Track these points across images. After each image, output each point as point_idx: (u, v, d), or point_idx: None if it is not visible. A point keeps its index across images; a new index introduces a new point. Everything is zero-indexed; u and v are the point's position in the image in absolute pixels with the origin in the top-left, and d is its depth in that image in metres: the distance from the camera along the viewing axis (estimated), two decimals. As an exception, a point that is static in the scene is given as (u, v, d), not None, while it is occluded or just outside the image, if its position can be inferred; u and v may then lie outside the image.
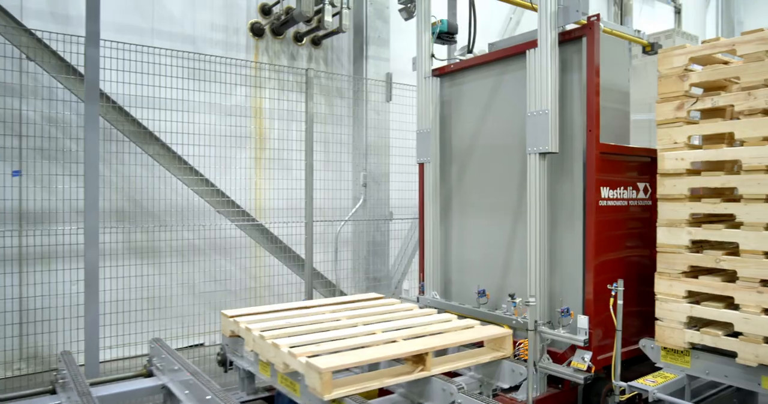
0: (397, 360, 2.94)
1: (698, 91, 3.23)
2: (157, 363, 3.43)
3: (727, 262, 2.93)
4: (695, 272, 3.12)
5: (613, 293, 3.28)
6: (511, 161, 3.88)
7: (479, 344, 3.32)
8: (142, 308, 4.99)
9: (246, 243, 6.07)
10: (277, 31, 6.43)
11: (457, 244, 4.34)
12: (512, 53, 3.80)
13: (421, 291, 4.42)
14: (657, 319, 3.21)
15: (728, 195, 3.08)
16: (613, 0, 10.20)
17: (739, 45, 2.92)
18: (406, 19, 5.67)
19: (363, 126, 6.80)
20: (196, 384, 2.89)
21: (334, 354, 2.73)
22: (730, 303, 2.96)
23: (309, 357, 2.66)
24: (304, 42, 6.66)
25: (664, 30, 7.01)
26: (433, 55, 4.39)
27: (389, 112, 6.90)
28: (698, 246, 3.12)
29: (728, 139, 3.02)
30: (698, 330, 3.04)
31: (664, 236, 3.19)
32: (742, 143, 2.92)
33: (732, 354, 2.89)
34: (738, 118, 2.92)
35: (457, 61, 4.42)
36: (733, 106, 2.93)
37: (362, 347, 2.86)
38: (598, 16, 3.40)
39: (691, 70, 3.14)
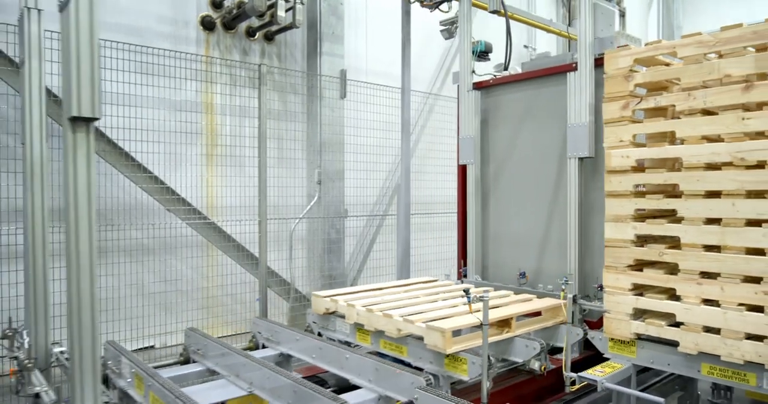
0: (478, 327, 3.26)
1: (642, 91, 3.35)
2: (197, 349, 3.83)
3: (669, 255, 3.06)
4: (640, 265, 3.24)
5: (562, 287, 3.40)
6: (547, 162, 4.41)
7: (533, 314, 3.80)
8: (88, 310, 4.80)
9: (198, 242, 5.92)
10: (229, 26, 6.29)
11: (494, 234, 4.93)
12: (549, 73, 4.39)
13: (463, 275, 5.03)
14: (605, 312, 3.33)
15: (670, 191, 3.21)
16: (562, 2, 10.48)
17: (680, 47, 3.05)
18: (446, 39, 6.60)
19: (317, 123, 6.74)
20: (248, 364, 3.29)
21: (440, 320, 3.29)
22: (672, 294, 3.10)
23: (424, 322, 3.23)
24: (256, 37, 6.55)
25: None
26: (473, 71, 5.00)
27: (344, 109, 6.88)
28: (643, 240, 3.25)
29: (670, 138, 3.15)
30: (643, 321, 3.16)
31: (611, 231, 3.30)
32: (682, 141, 3.05)
33: (674, 344, 3.03)
34: (679, 118, 3.05)
35: (493, 76, 5.07)
36: (674, 105, 3.06)
37: (456, 315, 3.43)
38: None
39: (636, 71, 3.25)
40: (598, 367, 3.23)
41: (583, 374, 3.13)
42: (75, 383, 2.31)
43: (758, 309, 2.74)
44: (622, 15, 10.63)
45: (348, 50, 7.22)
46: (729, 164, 2.84)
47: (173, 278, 5.66)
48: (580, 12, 4.07)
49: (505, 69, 5.10)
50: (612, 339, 3.34)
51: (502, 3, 5.03)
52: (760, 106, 2.77)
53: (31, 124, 3.17)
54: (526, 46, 9.87)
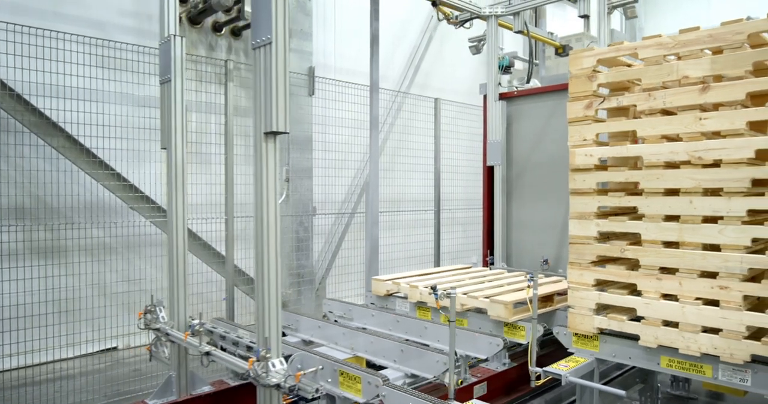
0: (521, 303, 3.85)
1: (605, 91, 3.43)
2: (288, 325, 4.26)
3: (630, 252, 3.14)
4: (603, 261, 3.32)
5: (528, 284, 3.45)
6: (565, 164, 4.74)
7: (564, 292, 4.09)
8: (47, 312, 4.64)
9: (162, 241, 5.81)
10: (195, 20, 6.18)
11: (517, 227, 5.67)
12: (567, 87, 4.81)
13: (490, 263, 5.74)
14: (569, 307, 3.40)
15: (632, 189, 3.29)
16: (529, 2, 10.62)
17: (641, 49, 3.13)
18: (474, 54, 7.39)
19: (285, 120, 6.68)
20: (347, 332, 3.81)
21: (498, 296, 3.87)
22: (633, 289, 3.18)
23: (486, 298, 3.85)
24: (223, 32, 6.45)
25: (575, 33, 7.38)
26: (499, 83, 5.79)
27: (312, 107, 6.83)
28: (606, 237, 3.32)
29: (632, 137, 3.23)
30: (606, 316, 3.24)
31: (575, 228, 3.37)
32: (643, 141, 3.14)
33: (635, 337, 3.11)
34: (640, 117, 3.13)
35: (515, 88, 5.95)
36: (635, 105, 3.14)
37: (505, 293, 4.00)
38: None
39: (599, 72, 3.32)
40: (562, 362, 3.29)
41: (547, 368, 3.19)
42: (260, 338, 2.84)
43: (714, 303, 2.83)
44: (586, 17, 10.87)
45: (316, 47, 7.18)
46: (687, 163, 2.92)
47: (137, 277, 5.54)
48: (600, 32, 4.66)
49: (527, 81, 5.94)
50: (576, 334, 3.41)
51: (526, 24, 5.83)
52: (716, 106, 2.87)
53: (175, 132, 3.68)
54: (500, 48, 9.97)
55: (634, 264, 3.17)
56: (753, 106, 2.76)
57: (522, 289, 4.07)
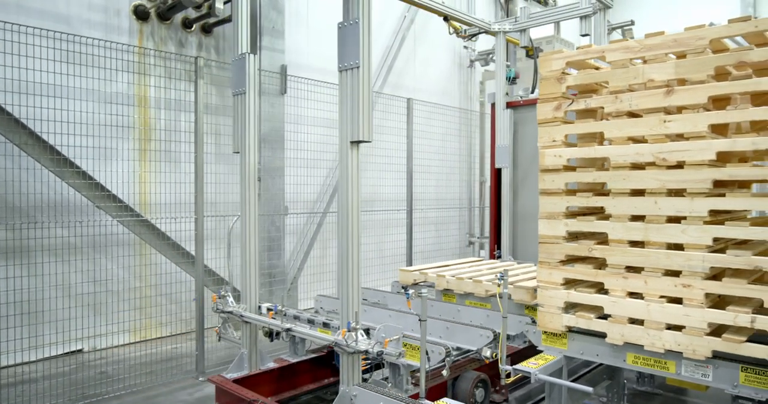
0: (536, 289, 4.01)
1: (574, 93, 3.49)
2: (333, 309, 4.62)
3: (598, 251, 3.20)
4: (572, 261, 3.38)
5: (498, 282, 3.48)
6: None
7: None
8: (9, 314, 4.50)
9: (130, 241, 5.70)
10: (164, 16, 6.08)
11: (522, 224, 6.21)
12: None
13: (497, 256, 6.40)
14: (539, 306, 3.45)
15: (599, 190, 3.36)
16: (500, 5, 10.74)
17: (608, 52, 3.19)
18: (483, 67, 8.55)
19: (257, 118, 6.61)
20: (393, 314, 4.27)
21: (519, 283, 4.25)
22: (600, 288, 3.24)
23: (509, 285, 3.96)
24: (193, 29, 6.36)
25: (545, 36, 7.50)
26: (507, 93, 6.44)
27: (284, 105, 6.78)
28: (574, 236, 3.38)
29: (599, 138, 3.29)
30: (574, 314, 3.30)
31: (544, 228, 3.42)
32: (611, 142, 3.20)
33: (602, 335, 3.17)
34: (607, 119, 3.19)
35: (520, 97, 6.53)
36: (603, 107, 3.20)
37: (522, 280, 4.36)
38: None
39: (568, 74, 3.38)
40: (532, 359, 3.34)
41: (517, 366, 3.23)
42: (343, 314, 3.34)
43: (677, 301, 2.91)
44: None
45: (289, 45, 7.12)
46: (652, 164, 3.00)
47: (103, 278, 5.42)
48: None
49: (532, 92, 6.45)
50: (545, 332, 3.46)
51: (531, 40, 6.46)
52: (680, 109, 2.94)
53: (248, 138, 4.21)
54: (465, 47, 10.06)
55: (601, 264, 3.23)
56: (715, 110, 2.85)
57: (535, 278, 4.32)
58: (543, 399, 3.72)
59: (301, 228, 7.34)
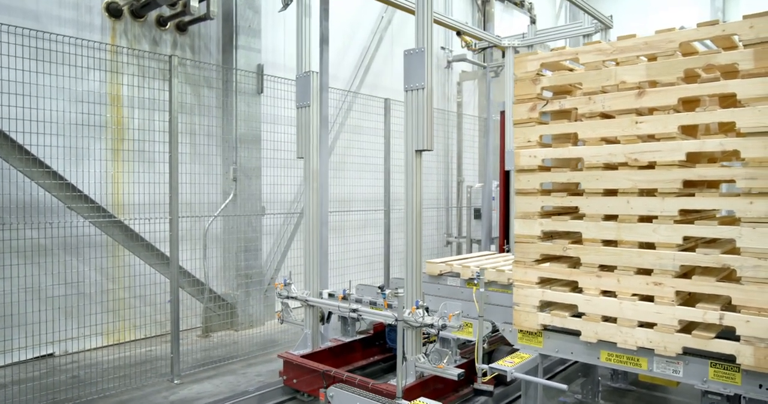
0: None
1: (549, 94, 3.53)
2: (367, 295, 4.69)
3: (572, 250, 3.24)
4: (546, 260, 3.42)
5: (475, 282, 3.51)
6: None
7: None
8: (-25, 317, 4.39)
9: (103, 242, 5.59)
10: (138, 13, 5.98)
11: None
12: None
13: (507, 250, 6.68)
14: (515, 305, 3.48)
15: (573, 189, 3.40)
16: (477, 7, 10.82)
17: (582, 54, 3.24)
18: (492, 78, 8.52)
19: (233, 118, 6.56)
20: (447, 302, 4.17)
21: None
22: (575, 287, 3.29)
23: None
24: (168, 27, 6.26)
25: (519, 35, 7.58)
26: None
27: (260, 105, 6.73)
28: (549, 236, 3.42)
29: (573, 139, 3.34)
30: (549, 312, 3.33)
31: (519, 227, 3.45)
32: (584, 143, 3.24)
33: (577, 333, 3.22)
34: (581, 120, 3.24)
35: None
36: (576, 108, 3.24)
37: None
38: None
39: (543, 75, 3.42)
40: (508, 358, 3.37)
41: (493, 365, 3.26)
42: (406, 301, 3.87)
43: (649, 299, 2.96)
44: (533, 21, 11.18)
45: (266, 45, 7.07)
46: (624, 164, 3.05)
47: (75, 280, 5.31)
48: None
49: None
50: (521, 330, 3.50)
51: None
52: (651, 111, 3.00)
53: (312, 146, 4.72)
54: (443, 48, 10.11)
55: (575, 263, 3.27)
56: (684, 111, 2.91)
57: None
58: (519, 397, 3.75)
59: (279, 228, 7.29)
